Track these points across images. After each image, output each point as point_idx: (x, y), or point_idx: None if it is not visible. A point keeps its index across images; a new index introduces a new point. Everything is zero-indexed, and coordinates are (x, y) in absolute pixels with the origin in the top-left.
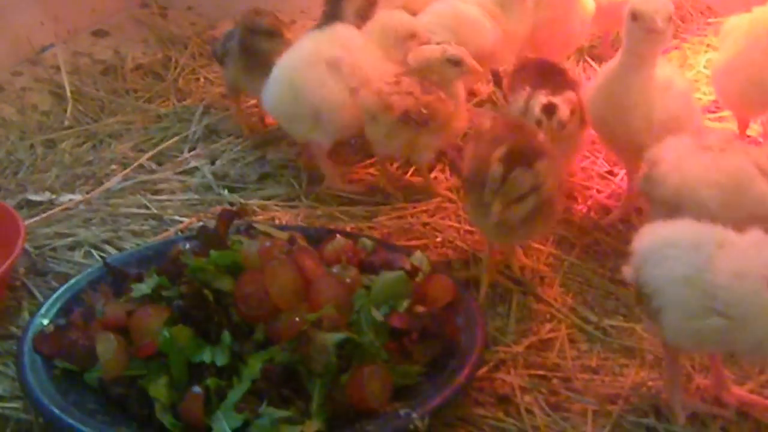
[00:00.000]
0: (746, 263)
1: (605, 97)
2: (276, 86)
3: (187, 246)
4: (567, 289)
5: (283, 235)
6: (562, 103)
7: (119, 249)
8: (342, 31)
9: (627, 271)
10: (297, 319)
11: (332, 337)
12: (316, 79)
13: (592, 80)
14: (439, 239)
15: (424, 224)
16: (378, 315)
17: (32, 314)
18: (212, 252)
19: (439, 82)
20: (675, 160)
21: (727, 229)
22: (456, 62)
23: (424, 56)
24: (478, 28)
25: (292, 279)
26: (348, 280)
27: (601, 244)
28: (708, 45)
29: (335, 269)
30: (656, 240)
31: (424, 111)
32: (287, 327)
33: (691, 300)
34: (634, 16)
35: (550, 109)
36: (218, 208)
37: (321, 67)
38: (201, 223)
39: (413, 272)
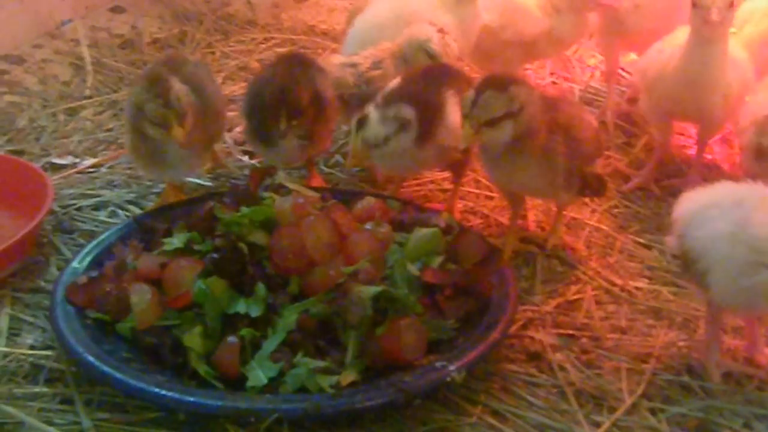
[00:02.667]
0: None
1: (680, 75)
2: None
3: (217, 203)
4: (590, 253)
5: (314, 193)
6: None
7: (143, 209)
8: None
9: (670, 241)
10: (332, 272)
11: (369, 290)
12: None
13: (653, 57)
14: (459, 205)
15: (444, 191)
16: (413, 269)
17: (60, 269)
18: (245, 208)
19: None
20: None
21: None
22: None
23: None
24: (525, 14)
25: (329, 233)
26: (381, 237)
27: (620, 209)
28: None
29: (368, 226)
30: (697, 203)
31: None
32: (323, 279)
33: (738, 257)
34: (693, 3)
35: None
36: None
37: None
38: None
39: (447, 230)
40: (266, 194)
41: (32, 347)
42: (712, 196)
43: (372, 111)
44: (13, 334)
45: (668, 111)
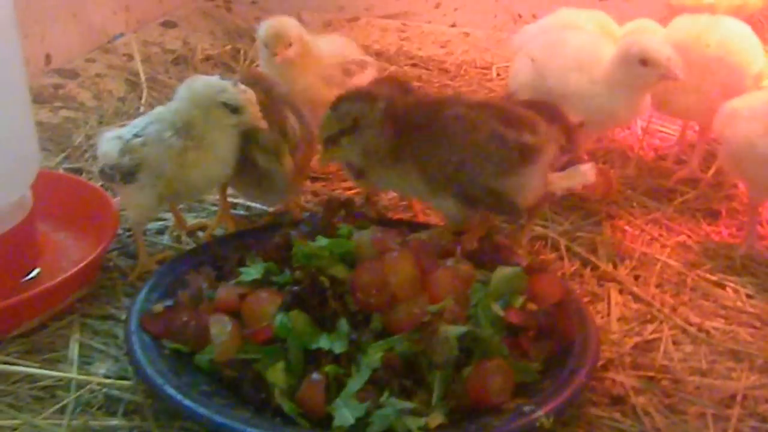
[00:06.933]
0: None
1: None
2: None
3: (293, 233)
4: (663, 290)
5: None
6: None
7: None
8: None
9: None
10: (416, 310)
11: (455, 330)
12: None
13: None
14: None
15: None
16: (498, 310)
17: (127, 295)
18: (323, 239)
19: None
20: None
21: None
22: (233, 109)
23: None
24: None
25: (412, 270)
26: (463, 274)
27: (690, 244)
28: None
29: (449, 262)
30: None
31: None
32: (408, 317)
33: None
34: None
35: None
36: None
37: None
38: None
39: (529, 269)
40: (342, 225)
41: (107, 377)
42: None
43: None
44: (84, 362)
45: None
